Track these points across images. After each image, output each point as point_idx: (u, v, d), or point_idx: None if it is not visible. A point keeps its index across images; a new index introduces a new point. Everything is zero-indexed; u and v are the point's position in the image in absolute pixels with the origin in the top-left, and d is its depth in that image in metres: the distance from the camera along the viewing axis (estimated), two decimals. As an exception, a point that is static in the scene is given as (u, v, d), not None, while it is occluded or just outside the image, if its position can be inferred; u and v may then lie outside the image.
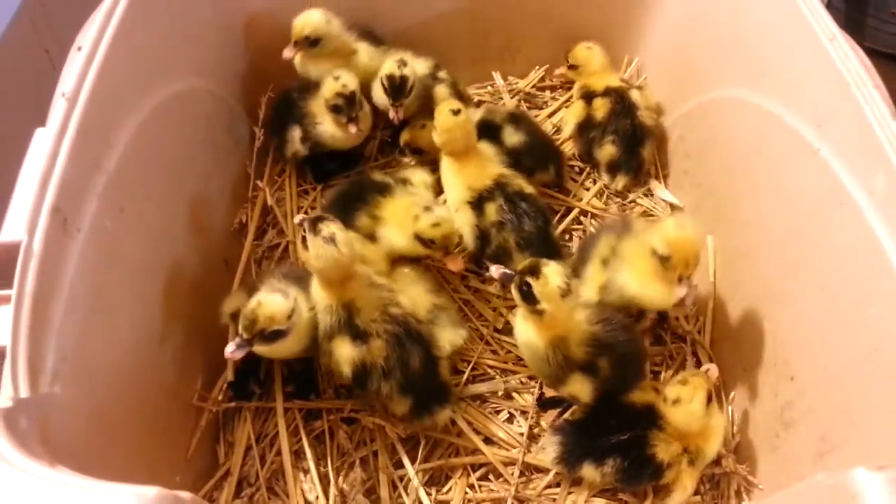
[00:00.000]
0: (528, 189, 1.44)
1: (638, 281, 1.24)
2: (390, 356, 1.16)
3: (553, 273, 1.11)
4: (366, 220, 1.40)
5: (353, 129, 1.52)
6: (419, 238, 1.33)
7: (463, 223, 1.42)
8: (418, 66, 1.60)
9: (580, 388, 1.18)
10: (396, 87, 1.53)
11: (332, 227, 1.13)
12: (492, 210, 1.40)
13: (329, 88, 1.51)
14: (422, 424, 1.25)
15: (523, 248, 1.39)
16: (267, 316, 1.13)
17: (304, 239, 1.14)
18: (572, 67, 1.77)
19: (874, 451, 0.94)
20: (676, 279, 1.19)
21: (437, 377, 1.23)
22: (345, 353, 1.16)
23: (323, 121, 1.57)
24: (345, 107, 1.50)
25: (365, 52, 1.65)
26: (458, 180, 1.44)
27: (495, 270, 1.20)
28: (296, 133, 1.61)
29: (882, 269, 0.97)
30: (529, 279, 1.11)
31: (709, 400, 1.15)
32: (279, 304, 1.15)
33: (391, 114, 1.55)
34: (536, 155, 1.59)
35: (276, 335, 1.15)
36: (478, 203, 1.41)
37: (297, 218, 1.20)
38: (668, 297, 1.21)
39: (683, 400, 1.15)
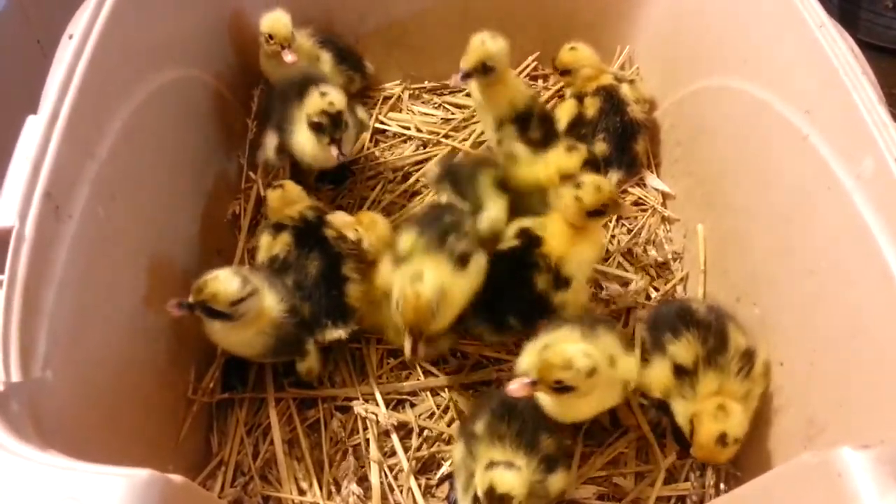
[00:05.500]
0: None
1: None
2: (291, 251, 1.31)
3: None
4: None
5: (334, 151, 1.39)
6: (591, 212, 1.25)
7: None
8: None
9: None
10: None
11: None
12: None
13: (314, 104, 1.38)
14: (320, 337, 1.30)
15: None
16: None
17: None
18: (564, 73, 1.71)
19: (860, 432, 0.95)
20: None
21: (339, 296, 1.30)
22: (263, 241, 1.36)
23: (299, 130, 1.44)
24: (328, 126, 1.38)
25: (327, 62, 1.64)
26: None
27: None
28: (271, 140, 1.52)
29: (868, 252, 0.97)
30: None
31: None
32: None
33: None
34: None
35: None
36: None
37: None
38: None
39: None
